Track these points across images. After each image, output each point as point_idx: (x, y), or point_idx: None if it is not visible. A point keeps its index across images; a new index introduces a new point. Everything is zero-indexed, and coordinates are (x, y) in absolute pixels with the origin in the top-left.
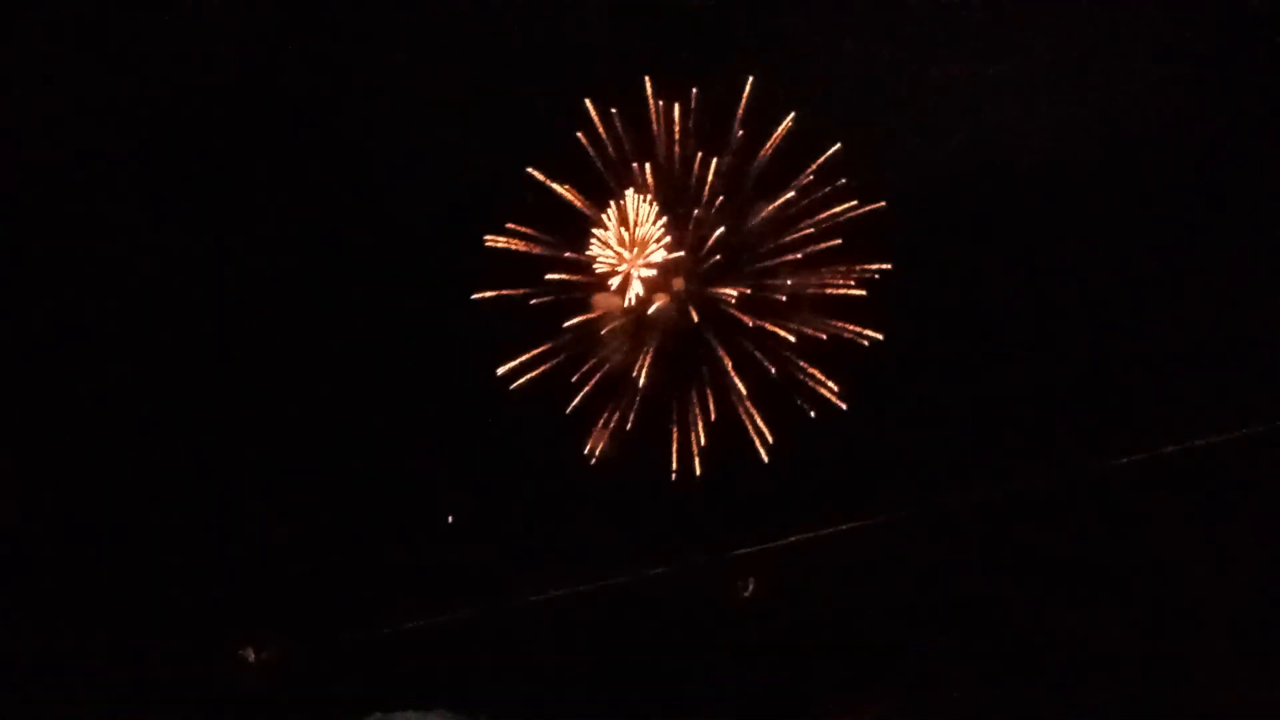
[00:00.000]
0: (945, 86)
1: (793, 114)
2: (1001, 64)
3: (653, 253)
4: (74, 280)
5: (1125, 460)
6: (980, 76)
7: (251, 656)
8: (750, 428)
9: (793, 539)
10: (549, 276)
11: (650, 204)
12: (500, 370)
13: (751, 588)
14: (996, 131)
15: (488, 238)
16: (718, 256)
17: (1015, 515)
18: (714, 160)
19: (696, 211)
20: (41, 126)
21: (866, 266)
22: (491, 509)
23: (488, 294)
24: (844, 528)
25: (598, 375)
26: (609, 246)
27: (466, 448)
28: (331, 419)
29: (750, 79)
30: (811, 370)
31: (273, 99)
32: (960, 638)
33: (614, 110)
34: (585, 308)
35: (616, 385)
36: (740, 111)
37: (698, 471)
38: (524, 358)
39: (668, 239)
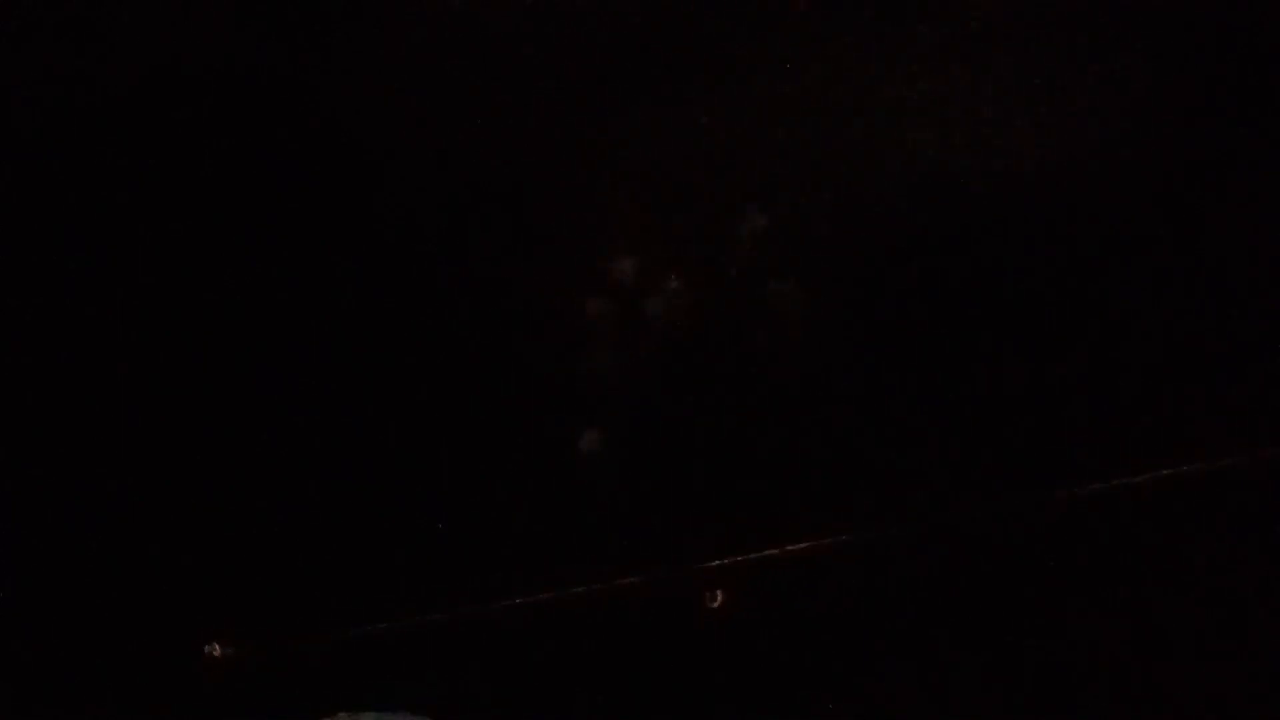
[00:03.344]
0: (940, 89)
1: None
2: (998, 67)
3: None
4: (52, 270)
5: (1123, 482)
6: (977, 79)
7: (217, 652)
8: None
9: (766, 552)
10: None
11: None
12: None
13: (720, 599)
14: (993, 135)
15: None
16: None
17: (1002, 536)
18: None
19: None
20: (27, 120)
21: None
22: (457, 515)
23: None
24: (820, 543)
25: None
26: None
27: (436, 450)
28: (303, 415)
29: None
30: None
31: (263, 92)
32: (936, 664)
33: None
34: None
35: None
36: None
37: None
38: None
39: None
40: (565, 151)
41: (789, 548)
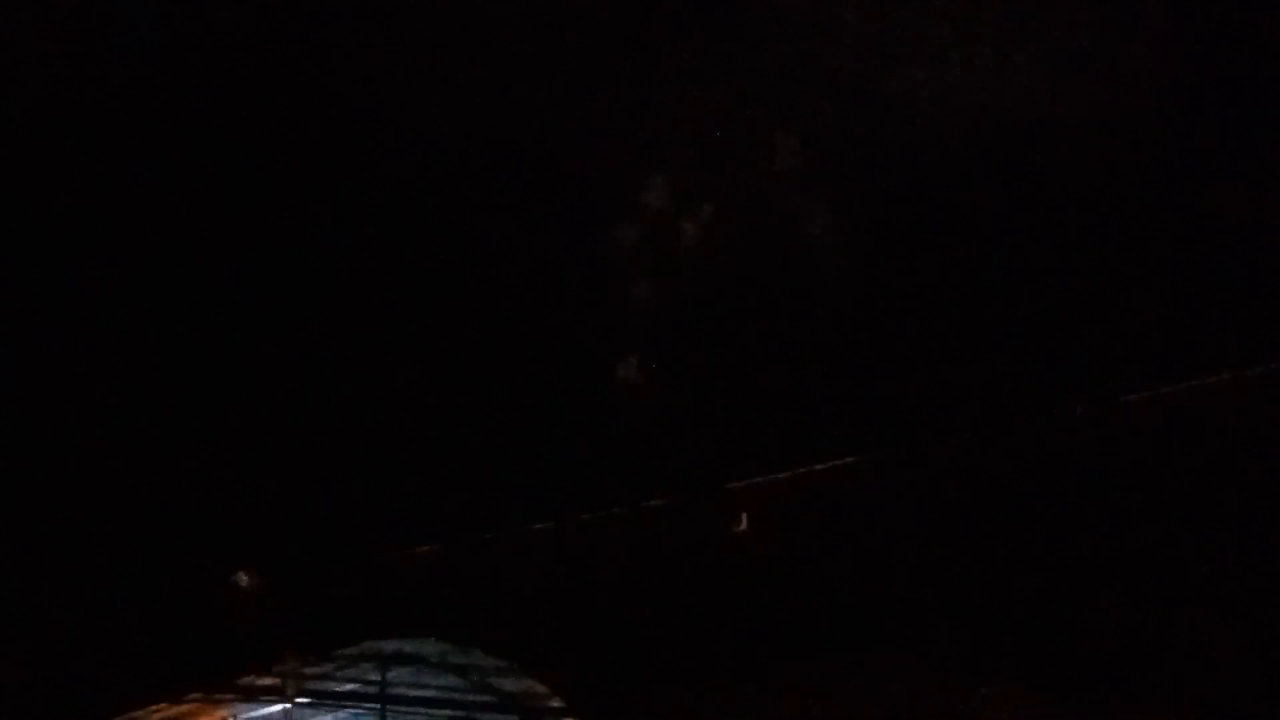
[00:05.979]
0: (974, 20)
1: None
2: (996, 50)
3: None
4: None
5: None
6: (971, 62)
7: (245, 580)
8: None
9: (794, 472)
10: None
11: None
12: None
13: (745, 523)
14: (1026, 61)
15: None
16: None
17: (1026, 460)
18: None
19: None
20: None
21: None
22: (481, 441)
23: None
24: (845, 463)
25: None
26: None
27: (461, 376)
28: (340, 351)
29: None
30: None
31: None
32: (960, 591)
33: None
34: None
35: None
36: None
37: None
38: None
39: None
40: (598, 81)
41: (815, 469)
